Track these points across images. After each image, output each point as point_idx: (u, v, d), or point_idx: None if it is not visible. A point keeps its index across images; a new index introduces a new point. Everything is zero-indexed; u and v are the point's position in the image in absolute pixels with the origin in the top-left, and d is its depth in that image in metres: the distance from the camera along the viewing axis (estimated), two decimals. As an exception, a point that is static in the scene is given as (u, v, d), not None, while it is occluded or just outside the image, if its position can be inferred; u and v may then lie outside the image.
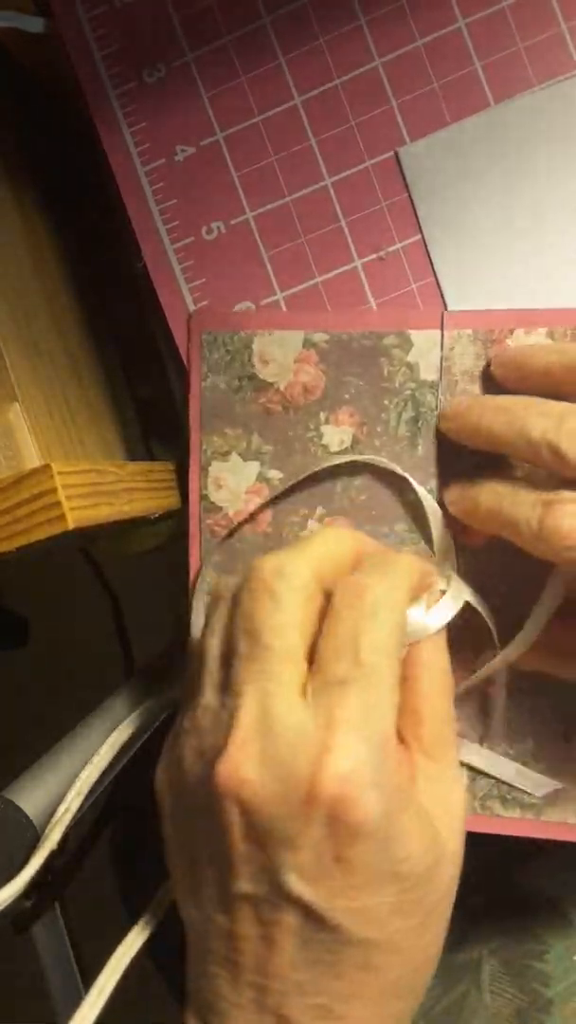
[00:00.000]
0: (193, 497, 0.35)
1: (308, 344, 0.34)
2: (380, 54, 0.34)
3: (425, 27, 0.34)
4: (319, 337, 0.34)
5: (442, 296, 0.34)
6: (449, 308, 0.34)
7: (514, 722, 0.33)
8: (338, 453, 0.34)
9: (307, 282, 0.35)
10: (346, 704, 0.25)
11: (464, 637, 0.32)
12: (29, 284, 0.38)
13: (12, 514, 0.29)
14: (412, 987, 0.27)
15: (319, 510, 0.34)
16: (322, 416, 0.34)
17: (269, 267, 0.35)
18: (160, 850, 0.32)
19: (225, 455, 0.35)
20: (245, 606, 0.27)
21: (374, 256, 0.35)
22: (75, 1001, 0.31)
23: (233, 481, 0.35)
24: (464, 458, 0.33)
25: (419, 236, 0.34)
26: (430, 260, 0.34)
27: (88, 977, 0.31)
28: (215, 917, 0.27)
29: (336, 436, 0.34)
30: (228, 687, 0.27)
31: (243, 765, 0.25)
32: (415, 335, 0.33)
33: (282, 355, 0.34)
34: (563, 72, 0.33)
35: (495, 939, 0.38)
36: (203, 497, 0.35)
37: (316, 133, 0.34)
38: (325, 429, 0.34)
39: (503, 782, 0.33)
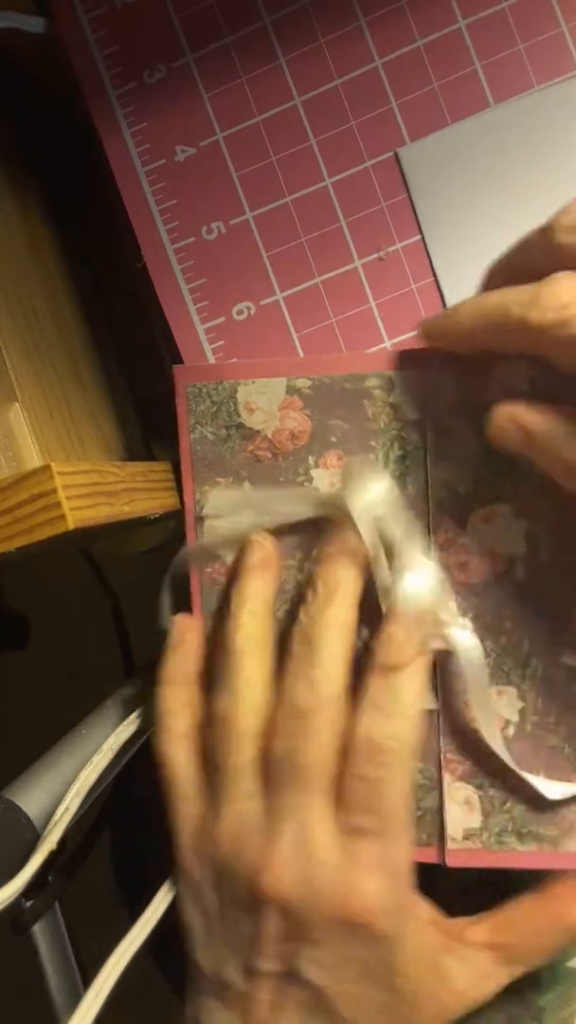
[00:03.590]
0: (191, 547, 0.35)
1: (291, 390, 0.34)
2: (380, 54, 0.34)
3: (425, 27, 0.34)
4: (301, 383, 0.34)
5: (441, 296, 0.34)
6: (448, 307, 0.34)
7: (527, 756, 0.33)
8: (330, 495, 0.34)
9: (307, 282, 0.35)
10: (368, 848, 0.30)
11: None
12: (29, 284, 0.38)
13: (12, 514, 0.29)
14: None
15: (314, 552, 0.34)
16: (311, 460, 0.34)
17: (269, 267, 0.35)
18: (159, 851, 0.32)
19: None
20: (288, 741, 0.31)
21: (374, 256, 0.35)
22: (75, 1001, 0.31)
23: (229, 528, 0.35)
24: (458, 495, 0.33)
25: (419, 236, 0.34)
26: (430, 260, 0.34)
27: (88, 977, 0.31)
28: (233, 977, 0.31)
29: (326, 479, 0.34)
30: (271, 802, 0.31)
31: (285, 881, 0.30)
32: (396, 375, 0.34)
33: (266, 402, 0.34)
34: (563, 72, 0.33)
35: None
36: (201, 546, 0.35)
37: (316, 133, 0.34)
38: (315, 473, 0.34)
39: (517, 815, 0.33)
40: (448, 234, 0.34)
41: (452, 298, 0.34)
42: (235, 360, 0.35)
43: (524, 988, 0.37)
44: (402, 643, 0.31)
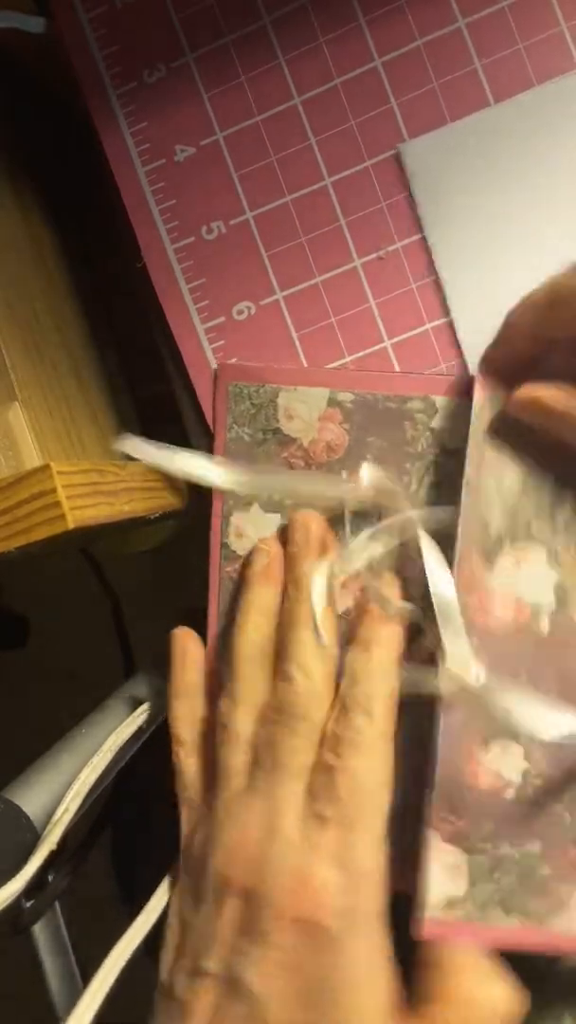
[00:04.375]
0: (214, 545, 0.35)
1: (333, 402, 0.34)
2: (380, 53, 0.34)
3: (425, 26, 0.34)
4: (344, 396, 0.34)
5: (443, 294, 0.34)
6: (451, 306, 0.34)
7: (525, 821, 0.31)
8: (358, 512, 0.34)
9: (307, 282, 0.35)
10: (326, 837, 0.30)
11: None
12: (30, 284, 0.38)
13: (12, 514, 0.29)
14: None
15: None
16: (344, 474, 0.34)
17: (269, 267, 0.35)
18: (159, 851, 0.32)
19: (247, 505, 0.35)
20: (270, 730, 0.32)
21: (374, 256, 0.35)
22: (75, 1001, 0.31)
23: (254, 531, 0.35)
24: (489, 532, 0.31)
25: (418, 236, 0.34)
26: (431, 258, 0.34)
27: (88, 977, 0.31)
28: (179, 983, 0.31)
29: (356, 495, 0.34)
30: (249, 788, 0.32)
31: (249, 862, 0.30)
32: (440, 401, 0.33)
33: (307, 411, 0.34)
34: (563, 71, 0.33)
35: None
36: (224, 545, 0.35)
37: (316, 133, 0.34)
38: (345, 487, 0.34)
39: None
40: (449, 230, 0.34)
41: (453, 296, 0.34)
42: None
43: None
44: (376, 646, 0.32)
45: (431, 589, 0.31)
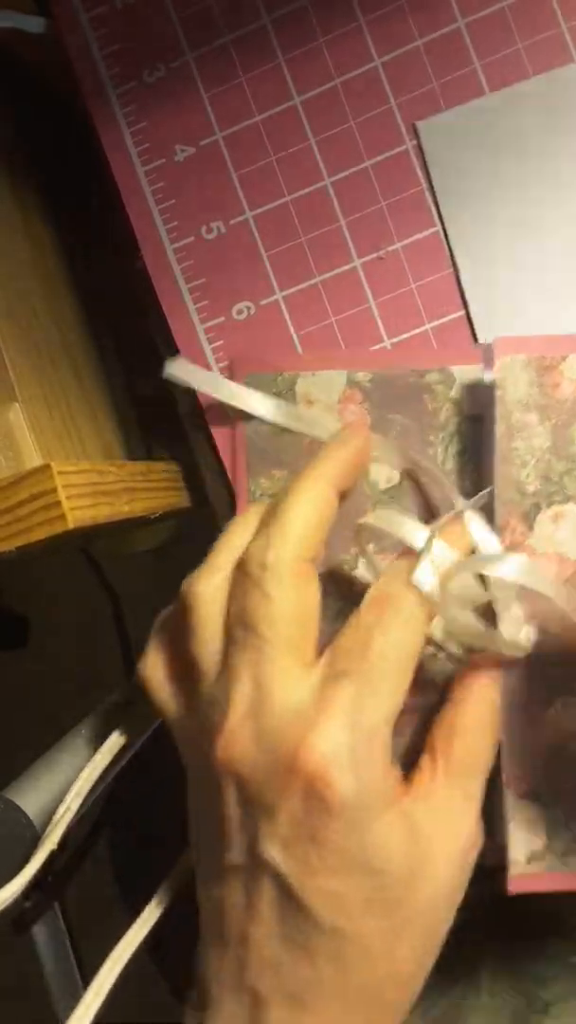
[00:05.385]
0: None
1: (351, 383, 0.34)
2: (380, 53, 0.34)
3: (425, 26, 0.34)
4: (362, 376, 0.34)
5: (460, 286, 0.34)
6: (468, 298, 0.34)
7: None
8: (386, 491, 0.34)
9: (307, 282, 0.35)
10: (341, 691, 0.27)
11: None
12: (29, 284, 0.38)
13: (12, 514, 0.29)
14: (382, 1000, 0.27)
15: (370, 547, 0.34)
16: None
17: (268, 267, 0.35)
18: (159, 851, 0.32)
19: (274, 496, 0.34)
20: (239, 601, 0.29)
21: (373, 255, 0.35)
22: (75, 1001, 0.31)
23: None
24: (526, 494, 0.32)
25: (419, 235, 0.34)
26: (431, 258, 0.34)
27: (88, 977, 0.31)
28: (211, 890, 0.29)
29: (383, 473, 0.34)
30: (227, 670, 0.29)
31: (238, 741, 0.27)
32: (457, 370, 0.33)
33: (326, 395, 0.34)
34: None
35: (492, 939, 0.38)
36: None
37: (316, 133, 0.34)
38: (372, 466, 0.34)
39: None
40: (465, 210, 0.33)
41: (469, 282, 0.34)
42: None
43: (530, 983, 0.37)
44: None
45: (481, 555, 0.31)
